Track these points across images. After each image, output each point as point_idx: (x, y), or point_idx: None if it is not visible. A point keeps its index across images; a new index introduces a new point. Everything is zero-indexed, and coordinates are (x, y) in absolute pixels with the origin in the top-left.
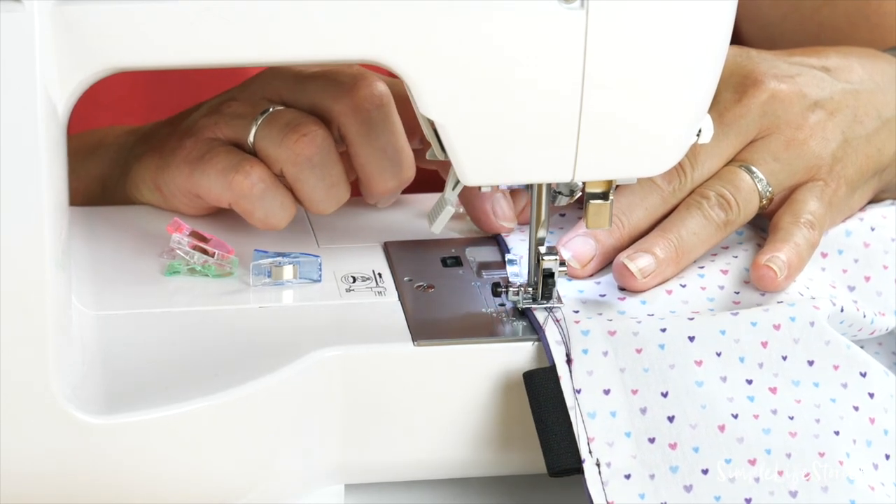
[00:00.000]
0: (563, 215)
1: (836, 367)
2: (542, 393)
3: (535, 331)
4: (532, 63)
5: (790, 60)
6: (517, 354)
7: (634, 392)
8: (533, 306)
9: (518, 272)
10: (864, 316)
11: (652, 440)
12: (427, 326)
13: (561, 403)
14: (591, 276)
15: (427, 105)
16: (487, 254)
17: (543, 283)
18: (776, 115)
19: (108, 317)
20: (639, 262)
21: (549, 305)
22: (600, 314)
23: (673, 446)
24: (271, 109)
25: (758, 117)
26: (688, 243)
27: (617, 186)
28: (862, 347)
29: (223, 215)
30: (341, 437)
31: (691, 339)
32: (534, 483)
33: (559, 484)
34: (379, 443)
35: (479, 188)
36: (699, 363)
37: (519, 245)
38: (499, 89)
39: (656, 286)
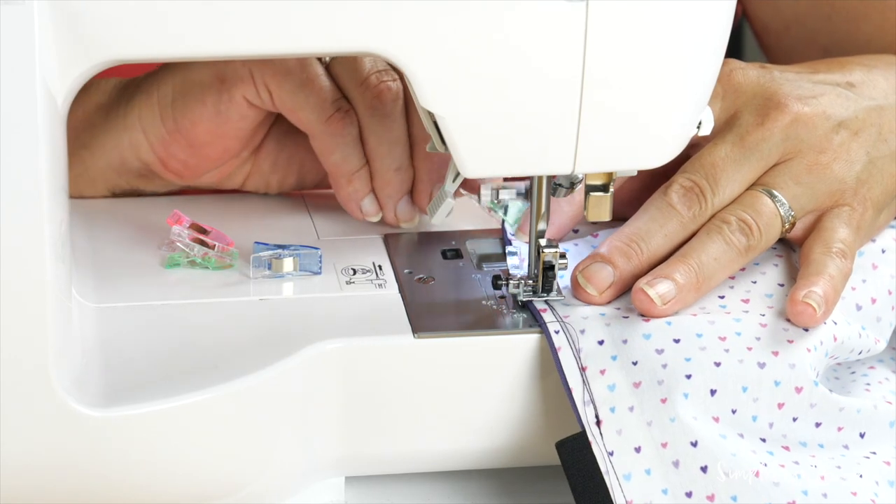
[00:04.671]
0: (576, 231)
1: (839, 429)
2: (576, 461)
3: (538, 323)
4: (532, 56)
5: (814, 79)
6: (517, 347)
7: (664, 445)
8: (534, 299)
9: (518, 264)
10: (851, 351)
11: (689, 494)
12: (427, 319)
13: (595, 469)
14: (609, 302)
15: (427, 98)
16: (488, 246)
17: (544, 276)
18: (799, 138)
19: (109, 309)
20: (658, 289)
21: (548, 298)
22: (625, 342)
23: (711, 498)
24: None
25: (780, 141)
26: (708, 269)
27: (616, 178)
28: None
29: (223, 209)
30: (341, 430)
31: (713, 392)
32: (534, 475)
33: (559, 476)
34: (379, 435)
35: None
36: (716, 419)
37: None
38: (499, 82)
39: (676, 312)
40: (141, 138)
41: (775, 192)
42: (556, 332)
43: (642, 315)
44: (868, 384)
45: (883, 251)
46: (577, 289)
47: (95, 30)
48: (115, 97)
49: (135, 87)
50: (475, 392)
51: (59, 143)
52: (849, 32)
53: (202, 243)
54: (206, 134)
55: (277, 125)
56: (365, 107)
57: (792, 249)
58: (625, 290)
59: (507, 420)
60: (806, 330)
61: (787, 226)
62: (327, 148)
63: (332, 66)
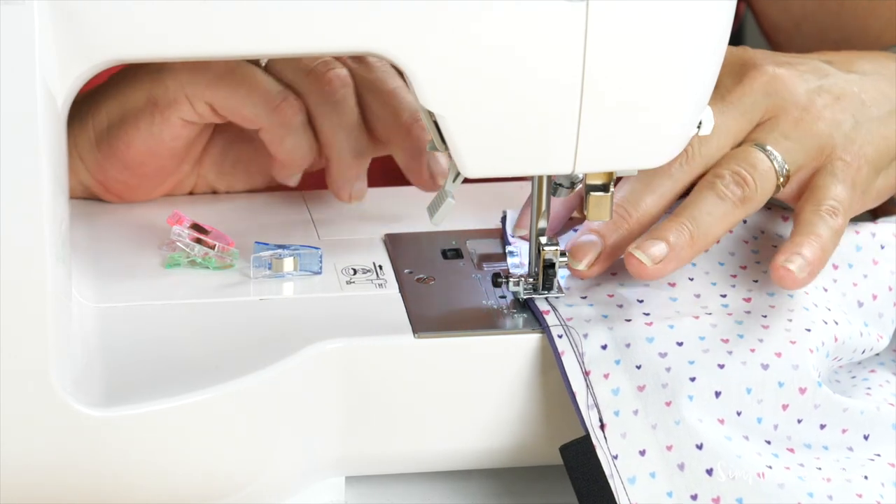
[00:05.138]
0: (575, 230)
1: (844, 431)
2: (580, 465)
3: (539, 322)
4: (532, 55)
5: (790, 54)
6: (518, 346)
7: (669, 448)
8: (534, 296)
9: (518, 263)
10: (854, 351)
11: (694, 497)
12: (427, 319)
13: (600, 473)
14: (600, 273)
15: (427, 97)
16: (488, 246)
17: (544, 274)
18: (780, 95)
19: (109, 309)
20: (649, 251)
21: (549, 296)
22: (628, 346)
23: (716, 500)
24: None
25: (761, 97)
26: (703, 225)
27: (618, 179)
28: (877, 355)
29: (224, 207)
30: (342, 430)
31: (717, 394)
32: (534, 475)
33: (559, 476)
34: (379, 435)
35: (411, 147)
36: (721, 422)
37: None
38: (499, 82)
39: (673, 270)
40: (79, 164)
41: (768, 147)
42: (560, 337)
43: (645, 317)
44: (869, 388)
45: (882, 247)
46: (567, 266)
47: (95, 30)
48: None
49: (71, 114)
50: (475, 392)
51: (59, 143)
52: (859, 29)
53: (202, 243)
54: (140, 154)
55: (220, 135)
56: (316, 95)
57: None
58: (618, 257)
59: (507, 420)
60: (808, 330)
61: (781, 180)
62: (277, 137)
63: (272, 63)
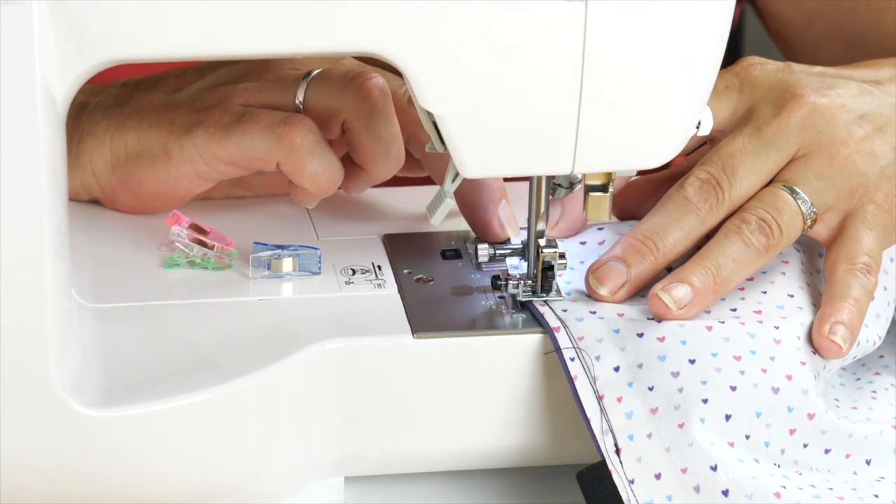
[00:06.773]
0: (583, 243)
1: (847, 456)
2: (597, 491)
3: (539, 323)
4: (532, 56)
5: (839, 74)
6: (517, 347)
7: (684, 471)
8: (533, 298)
9: (517, 265)
10: (850, 358)
11: None
12: (426, 319)
13: (617, 499)
14: (623, 301)
15: (426, 98)
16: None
17: (543, 276)
18: (817, 129)
19: (108, 309)
20: (674, 293)
21: (548, 299)
22: (640, 366)
23: None
24: (315, 73)
25: (798, 131)
26: (726, 271)
27: (616, 179)
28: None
29: (223, 208)
30: (341, 430)
31: (728, 417)
32: (534, 475)
33: (560, 476)
34: (378, 435)
35: (480, 198)
36: (732, 444)
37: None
38: (498, 82)
39: (696, 315)
40: (91, 180)
41: (797, 189)
42: (572, 360)
43: (656, 330)
44: (874, 391)
45: None
46: (590, 289)
47: (95, 30)
48: (70, 126)
49: (90, 126)
50: (474, 392)
51: (58, 143)
52: (872, 23)
53: (201, 243)
54: (152, 193)
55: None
56: (355, 107)
57: (797, 250)
58: (640, 289)
59: (506, 420)
60: (815, 353)
61: (808, 222)
62: (295, 166)
63: (310, 88)
